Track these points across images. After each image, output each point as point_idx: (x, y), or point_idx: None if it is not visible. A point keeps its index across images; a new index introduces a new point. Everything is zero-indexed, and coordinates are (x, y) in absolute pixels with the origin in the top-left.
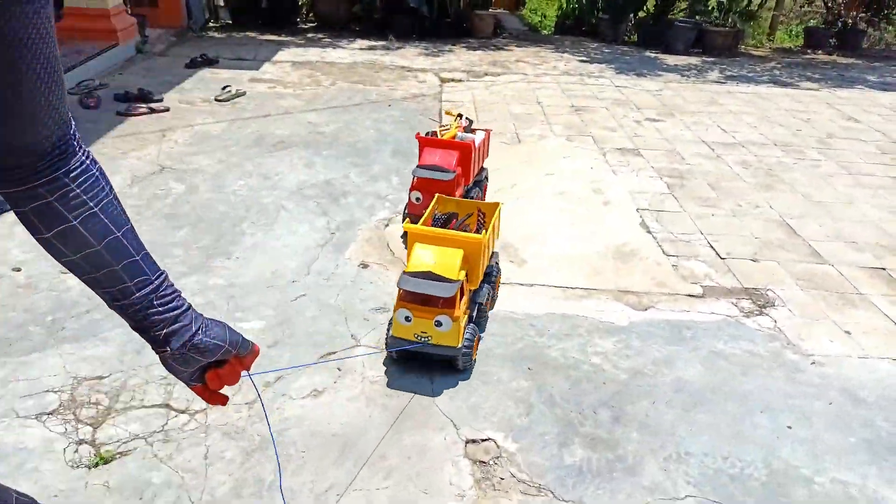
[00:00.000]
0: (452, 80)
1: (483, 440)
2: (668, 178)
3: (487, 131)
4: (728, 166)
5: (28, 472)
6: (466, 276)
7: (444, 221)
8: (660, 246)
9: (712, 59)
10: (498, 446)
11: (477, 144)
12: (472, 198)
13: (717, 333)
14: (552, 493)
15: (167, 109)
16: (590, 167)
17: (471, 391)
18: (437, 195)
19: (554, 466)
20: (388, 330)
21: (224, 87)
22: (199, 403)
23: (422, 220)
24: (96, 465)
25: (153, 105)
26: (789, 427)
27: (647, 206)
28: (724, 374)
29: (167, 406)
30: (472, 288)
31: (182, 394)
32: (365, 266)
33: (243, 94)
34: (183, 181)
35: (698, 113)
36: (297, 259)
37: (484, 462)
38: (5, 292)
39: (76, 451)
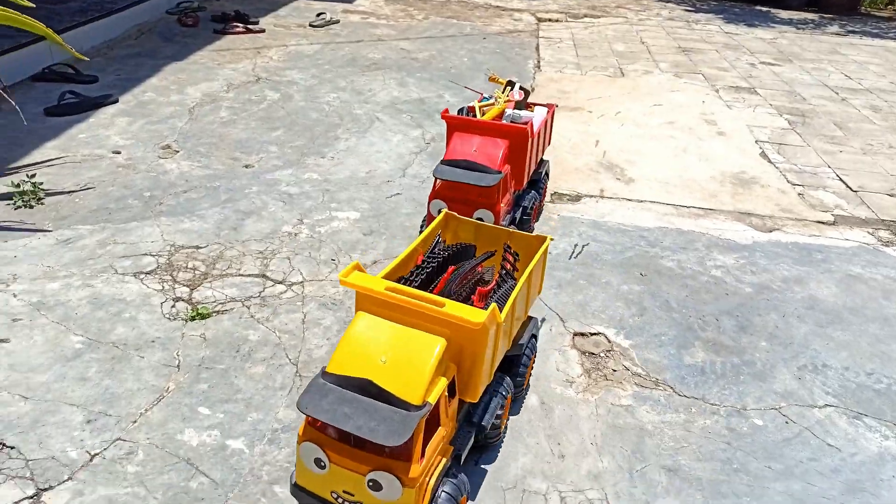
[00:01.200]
0: (549, 20)
1: (592, 334)
2: (788, 116)
3: (551, 107)
4: (855, 109)
5: (125, 320)
6: (453, 389)
7: (439, 266)
8: (783, 175)
9: (830, 15)
10: (609, 341)
11: (536, 128)
12: (523, 208)
13: (852, 259)
14: (672, 388)
15: (263, 31)
16: (701, 101)
17: (577, 289)
18: (443, 211)
19: (672, 365)
20: None
21: (318, 14)
22: (297, 276)
23: (393, 264)
24: (193, 318)
25: (249, 26)
26: None
27: (766, 139)
28: (863, 296)
29: (264, 276)
30: (471, 401)
31: (279, 267)
32: None
33: (337, 21)
34: (277, 90)
35: (818, 60)
36: (391, 163)
37: (594, 354)
38: (105, 171)
39: (173, 306)
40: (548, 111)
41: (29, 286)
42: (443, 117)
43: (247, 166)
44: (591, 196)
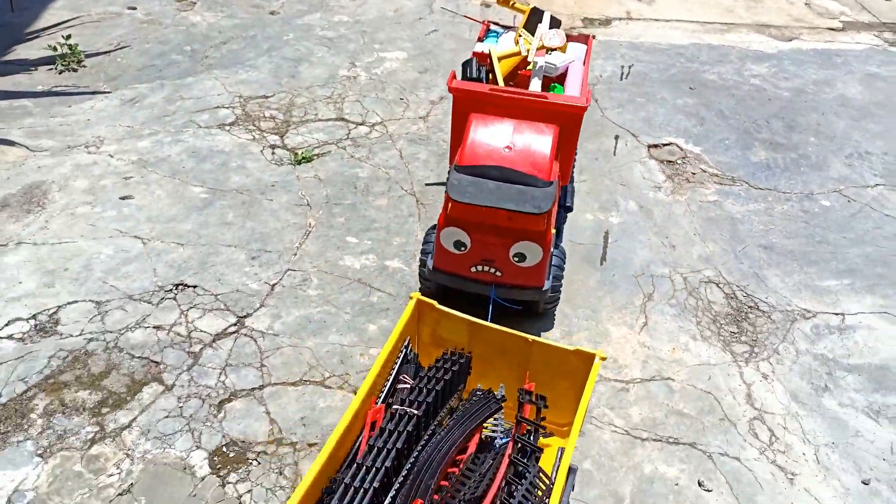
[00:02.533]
0: None
1: (665, 144)
2: None
3: (588, 40)
4: None
5: (235, 169)
6: None
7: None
8: None
9: None
10: (681, 149)
11: (580, 80)
12: (566, 208)
13: (867, 60)
14: (747, 182)
15: None
16: None
17: (638, 107)
18: (414, 297)
19: (741, 164)
20: None
21: None
22: (374, 117)
23: (350, 410)
24: (299, 162)
25: None
26: None
27: None
28: (884, 92)
29: (343, 119)
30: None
31: (353, 109)
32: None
33: None
34: None
35: None
36: (414, 0)
37: (671, 161)
38: (130, 28)
39: (273, 153)
40: (586, 49)
41: (119, 146)
42: (451, 90)
43: (272, 13)
44: (620, 19)
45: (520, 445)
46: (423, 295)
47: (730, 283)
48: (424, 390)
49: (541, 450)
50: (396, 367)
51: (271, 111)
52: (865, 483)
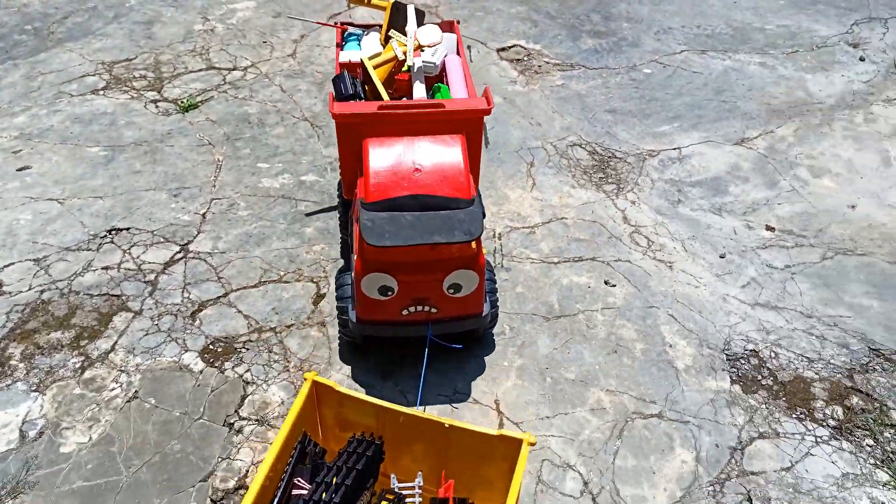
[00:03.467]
0: None
1: (510, 47)
2: None
3: (454, 26)
4: None
5: (125, 126)
6: None
7: None
8: None
9: None
10: (524, 48)
11: (460, 73)
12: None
13: None
14: (584, 66)
15: None
16: None
17: (479, 20)
18: (308, 378)
19: (575, 52)
20: None
21: None
22: (243, 61)
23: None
24: (186, 110)
25: None
26: (735, 1)
27: None
28: None
29: (214, 68)
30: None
31: (221, 58)
32: None
33: None
34: None
35: None
36: None
37: (519, 60)
38: None
39: (157, 106)
40: (455, 35)
41: None
42: (336, 117)
43: None
44: None
45: None
46: (348, 343)
47: (589, 142)
48: (334, 497)
49: None
50: (289, 468)
51: (140, 71)
52: (722, 256)
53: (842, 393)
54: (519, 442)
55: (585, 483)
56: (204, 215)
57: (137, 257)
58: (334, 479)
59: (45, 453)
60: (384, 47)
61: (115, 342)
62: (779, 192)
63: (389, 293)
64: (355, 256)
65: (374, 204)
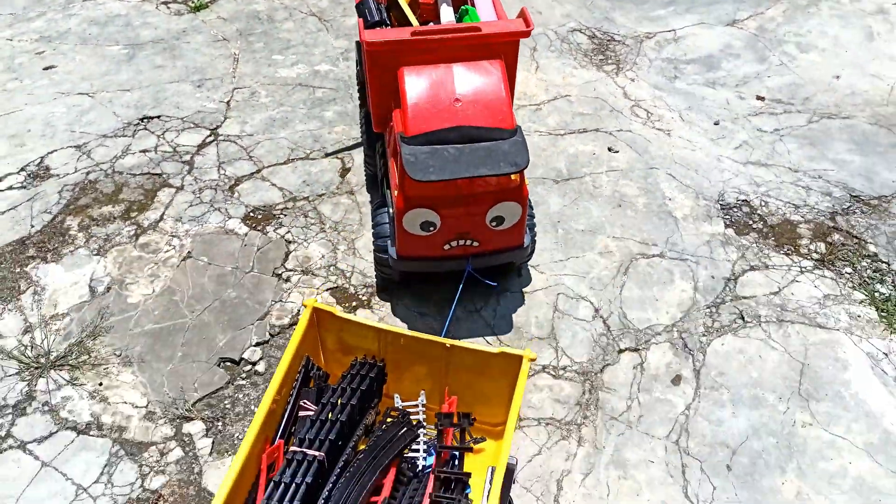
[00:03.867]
0: None
1: None
2: None
3: None
4: None
5: (141, 26)
6: None
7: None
8: None
9: None
10: None
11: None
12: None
13: None
14: None
15: None
16: None
17: None
18: (308, 305)
19: None
20: None
21: None
22: None
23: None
24: (198, 9)
25: None
26: None
27: None
28: None
29: None
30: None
31: None
32: None
33: None
34: None
35: None
36: None
37: None
38: None
39: (168, 7)
40: None
41: (13, 31)
42: (367, 45)
43: None
44: None
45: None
46: (385, 283)
47: (589, 27)
48: (328, 423)
49: (467, 475)
50: (295, 391)
51: None
52: (716, 123)
53: (825, 231)
54: (519, 358)
55: (596, 310)
56: (228, 103)
57: (171, 141)
58: (339, 400)
59: (114, 303)
60: None
61: (163, 213)
62: (768, 66)
63: (432, 228)
64: (395, 192)
65: (415, 138)
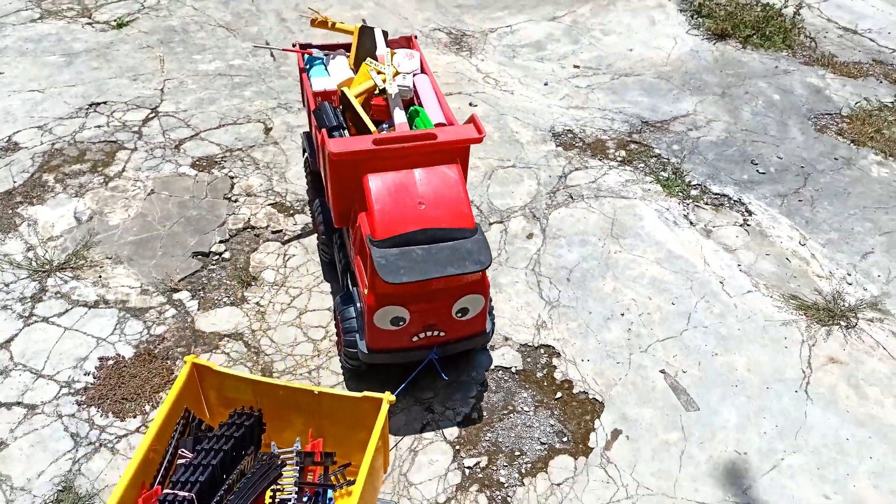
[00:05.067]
0: None
1: None
2: None
3: (412, 41)
4: None
5: (72, 41)
6: None
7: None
8: None
9: None
10: None
11: (442, 105)
12: None
13: None
14: None
15: None
16: None
17: None
18: (188, 361)
19: None
20: None
21: None
22: None
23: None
24: (120, 27)
25: None
26: None
27: None
28: None
29: None
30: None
31: None
32: None
33: None
34: None
35: None
36: None
37: None
38: None
39: (93, 26)
40: (418, 52)
41: None
42: (333, 156)
43: None
44: None
45: None
46: (350, 371)
47: (445, 27)
48: (200, 467)
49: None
50: (173, 441)
51: (65, 4)
52: (545, 84)
53: (625, 144)
54: (379, 401)
55: (470, 201)
56: (162, 90)
57: (119, 118)
58: (214, 447)
59: (98, 226)
60: (355, 72)
61: (124, 167)
62: (581, 46)
63: (401, 323)
64: (364, 290)
65: (383, 241)
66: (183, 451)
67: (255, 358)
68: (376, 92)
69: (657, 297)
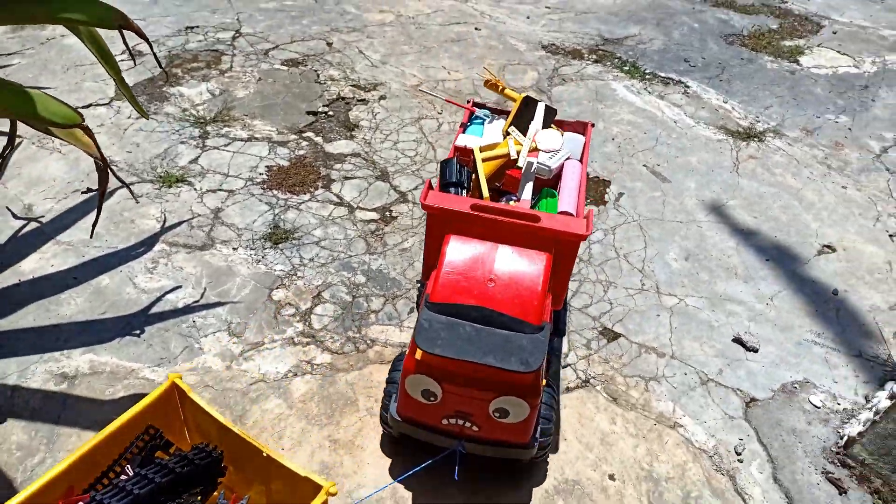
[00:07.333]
0: None
1: None
2: None
3: (587, 128)
4: None
5: None
6: None
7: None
8: None
9: None
10: None
11: (576, 183)
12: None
13: None
14: None
15: None
16: None
17: None
18: (171, 378)
19: None
20: None
21: None
22: None
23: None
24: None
25: None
26: None
27: None
28: None
29: None
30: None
31: None
32: None
33: None
34: None
35: None
36: None
37: None
38: None
39: None
40: (585, 139)
41: None
42: (425, 207)
43: None
44: None
45: None
46: (389, 435)
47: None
48: (124, 493)
49: None
50: (125, 453)
51: None
52: (528, 18)
53: (595, 50)
54: (319, 487)
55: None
56: (238, 19)
57: (213, 36)
58: (150, 475)
59: (230, 98)
60: (503, 139)
61: (231, 64)
62: None
63: (433, 398)
64: (408, 351)
65: (436, 305)
66: (127, 468)
67: (371, 166)
68: (518, 164)
69: (633, 130)
